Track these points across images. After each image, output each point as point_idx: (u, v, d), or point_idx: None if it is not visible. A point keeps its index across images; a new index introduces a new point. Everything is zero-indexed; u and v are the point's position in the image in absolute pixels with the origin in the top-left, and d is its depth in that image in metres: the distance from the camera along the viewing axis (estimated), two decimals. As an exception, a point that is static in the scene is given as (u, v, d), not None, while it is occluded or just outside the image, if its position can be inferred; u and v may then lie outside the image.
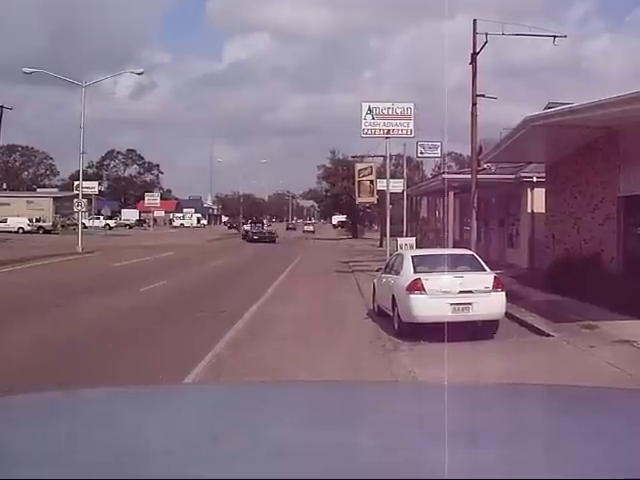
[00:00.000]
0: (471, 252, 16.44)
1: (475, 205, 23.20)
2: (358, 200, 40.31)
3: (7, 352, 11.56)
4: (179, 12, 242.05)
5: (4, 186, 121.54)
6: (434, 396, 2.76)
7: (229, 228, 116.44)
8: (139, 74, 43.26)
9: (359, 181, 36.07)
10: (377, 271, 18.36)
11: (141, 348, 12.17)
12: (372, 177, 35.49)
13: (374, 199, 37.75)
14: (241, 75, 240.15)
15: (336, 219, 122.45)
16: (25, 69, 41.33)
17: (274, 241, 65.01)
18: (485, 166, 26.94)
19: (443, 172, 34.66)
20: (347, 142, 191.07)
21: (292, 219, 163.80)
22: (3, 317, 15.14)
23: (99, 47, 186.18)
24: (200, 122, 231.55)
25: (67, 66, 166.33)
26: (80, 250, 40.33)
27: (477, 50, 21.81)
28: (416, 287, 13.34)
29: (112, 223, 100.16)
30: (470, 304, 13.20)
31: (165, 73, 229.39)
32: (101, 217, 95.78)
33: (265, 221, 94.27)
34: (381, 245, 54.86)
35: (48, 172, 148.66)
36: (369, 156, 38.83)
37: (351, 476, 1.71)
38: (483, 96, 22.10)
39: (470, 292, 13.34)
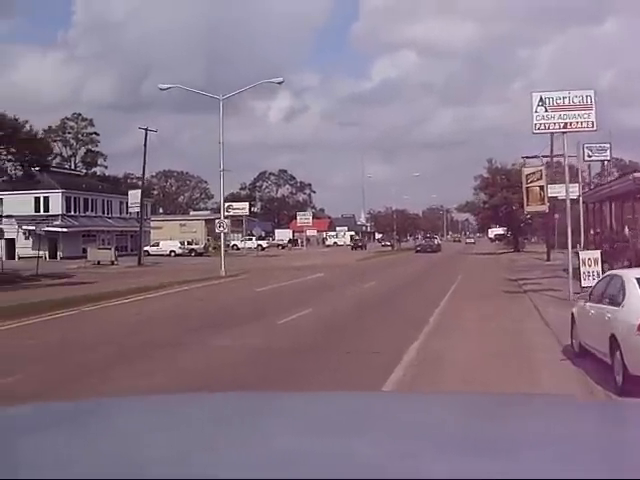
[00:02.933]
0: None
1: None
2: (527, 209, 35.31)
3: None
4: (325, 35, 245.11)
5: (160, 210, 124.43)
6: (435, 406, 2.83)
7: (353, 248, 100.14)
8: (279, 83, 41.08)
9: (527, 187, 31.57)
10: (577, 294, 14.23)
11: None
12: (542, 182, 30.92)
13: (545, 207, 32.93)
14: (389, 92, 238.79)
15: (493, 232, 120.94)
16: (161, 85, 40.51)
17: (437, 252, 79.84)
18: None
19: (634, 171, 29.61)
20: (499, 153, 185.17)
21: (447, 233, 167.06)
22: (105, 362, 12.34)
23: (251, 74, 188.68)
24: (350, 140, 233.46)
25: (222, 93, 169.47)
26: (223, 274, 37.95)
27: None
28: (654, 326, 9.23)
29: (264, 244, 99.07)
30: None
31: (314, 95, 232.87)
32: (253, 238, 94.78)
33: (437, 237, 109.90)
34: (548, 259, 49.84)
35: (203, 196, 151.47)
36: (535, 156, 34.16)
37: None
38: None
39: None
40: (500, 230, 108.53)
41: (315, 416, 2.59)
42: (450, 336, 15.35)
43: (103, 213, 78.48)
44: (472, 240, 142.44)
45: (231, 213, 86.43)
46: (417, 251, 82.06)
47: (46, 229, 54.52)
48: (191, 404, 3.01)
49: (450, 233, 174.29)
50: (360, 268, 48.65)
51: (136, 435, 2.29)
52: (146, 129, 55.19)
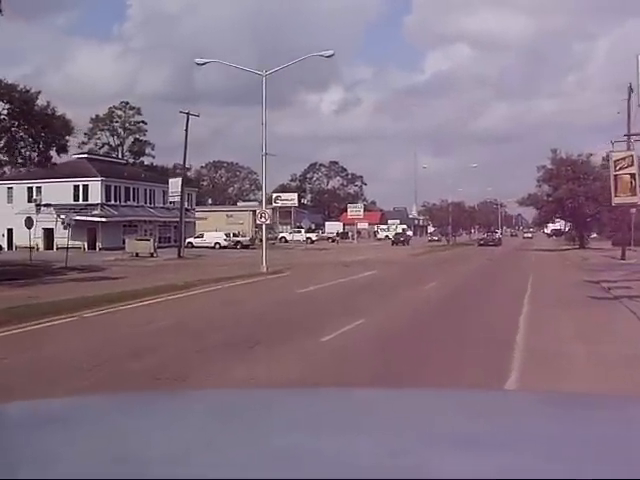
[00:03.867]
0: None
1: None
2: (615, 201, 30.47)
3: None
4: (378, 28, 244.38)
5: (209, 201, 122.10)
6: (437, 402, 2.79)
7: (393, 244, 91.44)
8: (328, 57, 37.53)
9: (616, 175, 27.08)
10: None
11: None
12: (633, 169, 26.40)
13: (637, 199, 28.29)
14: (442, 85, 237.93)
15: (550, 227, 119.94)
16: (197, 60, 37.44)
17: (498, 245, 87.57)
18: None
19: None
20: (556, 146, 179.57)
21: (501, 228, 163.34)
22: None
23: (304, 66, 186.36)
24: (403, 133, 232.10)
25: (275, 87, 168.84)
26: (264, 270, 34.10)
27: None
28: None
29: (314, 236, 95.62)
30: None
31: (366, 87, 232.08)
32: (302, 230, 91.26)
33: (499, 231, 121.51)
34: (623, 257, 45.91)
35: (253, 187, 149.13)
36: (636, 135, 29.12)
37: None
38: None
39: None
40: (557, 225, 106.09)
41: (317, 412, 2.49)
42: (554, 368, 11.24)
43: (145, 203, 75.49)
44: (530, 235, 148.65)
45: (279, 204, 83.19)
46: (480, 244, 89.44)
47: (77, 218, 51.45)
48: (190, 400, 2.91)
49: (504, 227, 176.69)
50: (416, 265, 44.81)
51: (134, 433, 2.15)
52: (188, 113, 52.11)
